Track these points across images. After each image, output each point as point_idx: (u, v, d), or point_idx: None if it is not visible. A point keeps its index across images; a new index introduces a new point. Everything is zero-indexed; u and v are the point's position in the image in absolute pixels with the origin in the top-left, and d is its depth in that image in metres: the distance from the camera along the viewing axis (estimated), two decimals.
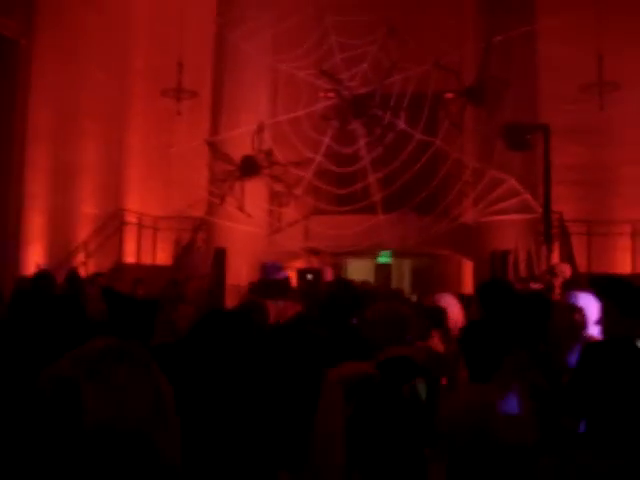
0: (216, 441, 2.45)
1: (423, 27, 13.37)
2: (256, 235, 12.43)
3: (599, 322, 3.46)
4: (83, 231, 13.90)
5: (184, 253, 12.59)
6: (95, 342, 1.43)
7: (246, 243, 12.42)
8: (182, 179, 14.07)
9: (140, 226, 15.18)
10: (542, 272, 9.34)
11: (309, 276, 11.18)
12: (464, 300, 10.62)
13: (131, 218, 15.08)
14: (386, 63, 11.74)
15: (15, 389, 2.83)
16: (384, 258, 15.74)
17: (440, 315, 5.12)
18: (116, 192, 15.23)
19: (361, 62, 11.99)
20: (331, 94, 12.69)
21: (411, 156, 11.68)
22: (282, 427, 2.67)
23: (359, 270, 16.26)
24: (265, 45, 12.71)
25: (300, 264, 13.16)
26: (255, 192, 12.28)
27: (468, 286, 13.65)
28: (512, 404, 2.89)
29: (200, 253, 12.52)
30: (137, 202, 15.61)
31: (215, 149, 12.39)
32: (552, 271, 7.69)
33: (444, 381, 4.39)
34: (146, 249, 15.07)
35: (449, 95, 11.97)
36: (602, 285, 3.43)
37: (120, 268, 13.62)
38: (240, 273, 12.03)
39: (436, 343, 4.94)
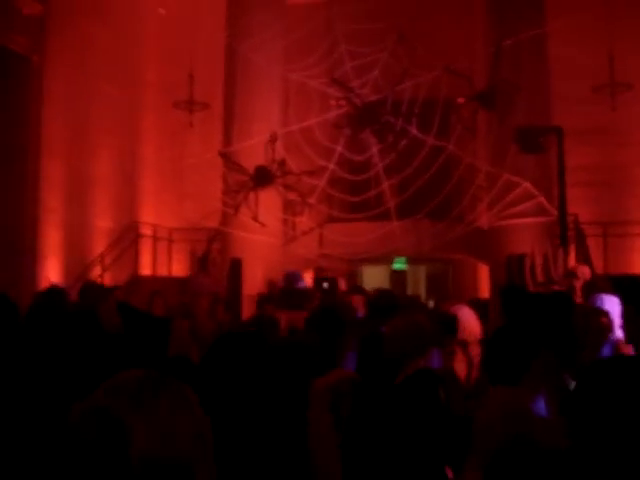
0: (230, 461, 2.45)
1: (433, 33, 13.40)
2: (271, 245, 12.45)
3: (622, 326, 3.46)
4: (99, 244, 13.97)
5: (198, 269, 12.61)
6: (130, 373, 1.37)
7: (261, 253, 12.44)
8: (196, 190, 14.12)
9: (155, 238, 15.24)
10: (562, 274, 9.29)
11: (325, 284, 11.19)
12: (481, 305, 10.61)
13: (146, 230, 15.14)
14: (397, 70, 11.75)
15: (39, 415, 2.84)
16: (399, 264, 15.72)
17: (453, 323, 5.11)
18: (130, 205, 15.30)
19: (372, 69, 12.01)
20: (342, 102, 12.70)
21: (424, 162, 11.68)
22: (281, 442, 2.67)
23: (374, 277, 16.26)
24: (276, 55, 12.76)
25: (314, 273, 13.16)
26: (269, 202, 12.29)
27: (484, 291, 13.62)
28: (541, 407, 2.89)
29: (207, 273, 12.49)
30: (152, 214, 15.68)
31: (228, 160, 12.41)
32: (572, 273, 7.66)
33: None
34: (161, 261, 15.12)
35: (461, 100, 11.94)
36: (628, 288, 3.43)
37: (136, 281, 13.66)
38: (255, 283, 12.06)
39: (458, 356, 4.93)
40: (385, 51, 11.87)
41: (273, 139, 11.92)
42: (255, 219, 11.77)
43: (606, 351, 3.28)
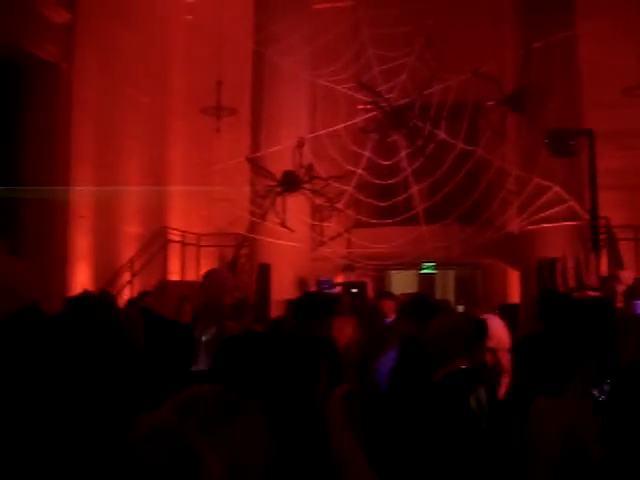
0: None
1: (461, 36, 13.30)
2: (299, 250, 12.42)
3: None
4: (128, 250, 14.03)
5: (229, 269, 12.62)
6: (206, 389, 1.28)
7: (289, 258, 12.42)
8: (224, 196, 14.14)
9: (183, 244, 15.29)
10: (595, 279, 9.18)
11: (354, 290, 11.15)
12: (511, 310, 10.50)
13: (174, 236, 15.20)
14: (425, 73, 11.70)
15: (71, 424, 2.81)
16: (427, 269, 15.62)
17: (483, 329, 5.08)
18: (159, 210, 15.37)
19: (399, 73, 11.97)
20: (370, 106, 12.67)
21: (453, 166, 11.61)
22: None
23: (402, 282, 16.19)
24: (303, 60, 12.75)
25: (342, 278, 13.13)
26: (297, 207, 12.28)
27: (514, 296, 13.49)
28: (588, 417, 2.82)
29: (221, 271, 12.50)
30: (180, 220, 15.73)
31: (256, 165, 12.42)
32: (615, 277, 7.55)
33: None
34: (190, 267, 15.16)
35: (490, 103, 11.86)
36: None
37: (165, 286, 13.71)
38: (284, 288, 12.04)
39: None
40: (413, 55, 11.83)
41: (300, 144, 11.91)
42: (283, 224, 11.76)
43: None
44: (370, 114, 12.73)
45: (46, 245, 12.49)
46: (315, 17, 13.67)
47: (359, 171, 12.57)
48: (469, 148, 11.74)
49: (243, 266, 12.91)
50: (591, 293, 7.84)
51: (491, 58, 11.96)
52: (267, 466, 1.25)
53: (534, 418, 2.85)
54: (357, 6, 13.85)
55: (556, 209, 11.57)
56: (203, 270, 15.10)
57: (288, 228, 11.77)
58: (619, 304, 6.30)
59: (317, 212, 13.25)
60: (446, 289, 16.90)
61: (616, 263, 11.59)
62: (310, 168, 12.15)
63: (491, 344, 6.71)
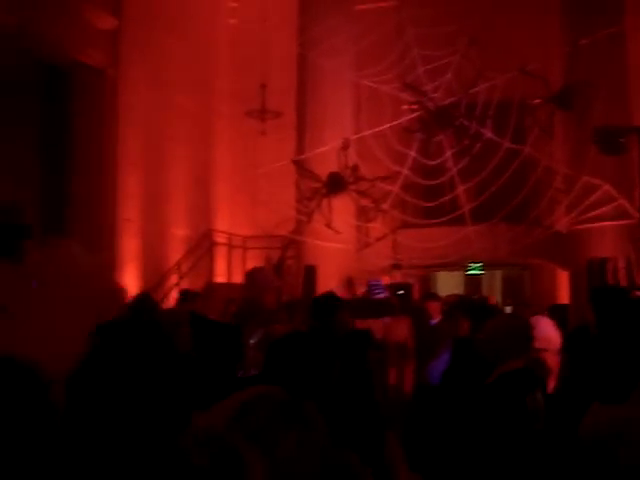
0: None
1: (506, 33, 13.15)
2: (344, 251, 12.41)
3: None
4: (175, 252, 14.16)
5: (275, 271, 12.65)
6: (260, 393, 1.23)
7: (335, 260, 12.41)
8: (269, 198, 14.18)
9: (230, 246, 15.38)
10: None
11: (400, 291, 11.09)
12: (561, 311, 10.35)
13: (221, 238, 15.29)
14: (470, 72, 11.60)
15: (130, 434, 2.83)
16: (474, 270, 15.49)
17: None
18: (205, 213, 15.48)
19: (445, 73, 11.90)
20: (415, 106, 12.61)
21: (499, 165, 11.49)
22: None
23: (449, 282, 16.08)
24: (347, 61, 12.74)
25: (389, 279, 13.08)
26: (342, 208, 12.27)
27: (564, 297, 13.29)
28: None
29: (264, 270, 12.53)
30: (226, 222, 15.83)
31: (301, 167, 12.45)
32: None
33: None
34: (236, 269, 15.24)
35: (537, 101, 11.72)
36: None
37: (211, 288, 13.80)
38: (330, 290, 12.02)
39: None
40: (458, 54, 11.75)
41: (345, 145, 11.91)
42: (329, 226, 11.77)
43: None
44: (415, 114, 12.66)
45: (95, 248, 12.66)
46: (358, 18, 13.65)
47: (405, 171, 12.52)
48: (516, 147, 11.61)
49: (289, 268, 12.94)
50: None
51: (537, 55, 11.83)
52: (323, 473, 1.21)
53: (593, 425, 2.77)
54: (400, 6, 13.80)
55: (606, 208, 11.38)
56: None
57: (334, 229, 11.77)
58: None
59: (362, 213, 13.22)
60: (493, 290, 16.74)
61: None
62: (355, 169, 12.15)
63: (540, 345, 6.62)
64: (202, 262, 14.52)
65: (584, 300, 10.94)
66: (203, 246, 14.74)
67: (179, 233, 14.48)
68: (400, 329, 7.49)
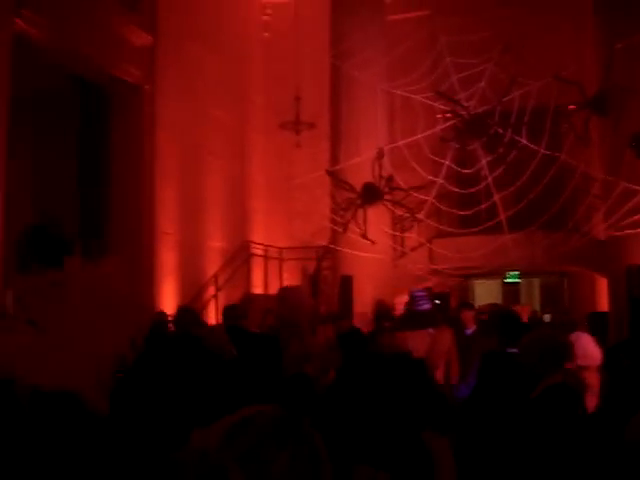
0: None
1: (540, 40, 13.09)
2: (380, 261, 12.40)
3: None
4: (212, 265, 14.28)
5: (307, 286, 12.70)
6: (255, 412, 1.21)
7: (371, 270, 12.42)
8: (305, 209, 14.25)
9: (266, 258, 15.47)
10: None
11: (437, 301, 11.05)
12: (600, 319, 10.23)
13: (257, 250, 15.39)
14: (504, 80, 11.55)
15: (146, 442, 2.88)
16: (512, 278, 15.38)
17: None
18: (242, 225, 15.60)
19: (478, 81, 11.85)
20: (449, 115, 12.58)
21: (536, 172, 11.40)
22: None
23: (486, 291, 15.97)
24: (380, 72, 12.76)
25: (430, 283, 13.02)
26: (377, 218, 12.28)
27: (603, 304, 13.14)
28: None
29: (300, 290, 12.56)
30: (262, 234, 15.93)
31: (336, 178, 12.49)
32: None
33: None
34: (273, 280, 15.31)
35: (572, 107, 11.63)
36: None
37: (249, 299, 13.88)
38: (366, 300, 12.04)
39: None
40: (491, 61, 11.70)
41: (380, 155, 11.92)
42: (364, 236, 11.77)
43: None
44: (449, 123, 12.64)
45: (134, 262, 12.81)
46: (391, 28, 13.69)
47: (439, 180, 12.48)
48: (552, 154, 11.52)
49: (325, 278, 12.97)
50: None
51: (571, 61, 11.74)
52: None
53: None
54: (433, 15, 13.82)
55: None
56: (286, 283, 15.29)
57: (369, 240, 11.77)
58: None
59: (398, 223, 13.20)
60: (532, 298, 16.59)
61: None
62: (390, 179, 12.14)
63: (581, 362, 6.60)
64: (239, 274, 14.61)
65: (623, 307, 10.82)
66: (240, 258, 14.84)
67: (216, 245, 14.60)
68: (444, 340, 7.49)
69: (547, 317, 12.96)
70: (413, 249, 13.37)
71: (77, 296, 3.41)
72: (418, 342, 6.47)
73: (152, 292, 12.81)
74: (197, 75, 14.28)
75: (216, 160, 14.87)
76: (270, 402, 1.27)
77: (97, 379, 3.33)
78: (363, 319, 10.75)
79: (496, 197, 11.87)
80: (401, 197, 12.21)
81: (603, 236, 12.01)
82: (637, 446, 2.69)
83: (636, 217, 11.16)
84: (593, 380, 5.00)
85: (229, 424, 1.19)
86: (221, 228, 14.82)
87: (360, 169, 12.17)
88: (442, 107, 12.59)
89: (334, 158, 13.21)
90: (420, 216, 12.51)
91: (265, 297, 14.20)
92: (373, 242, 11.80)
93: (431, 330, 7.55)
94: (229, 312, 7.23)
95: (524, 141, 11.58)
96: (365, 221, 11.92)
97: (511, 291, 16.12)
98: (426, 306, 8.31)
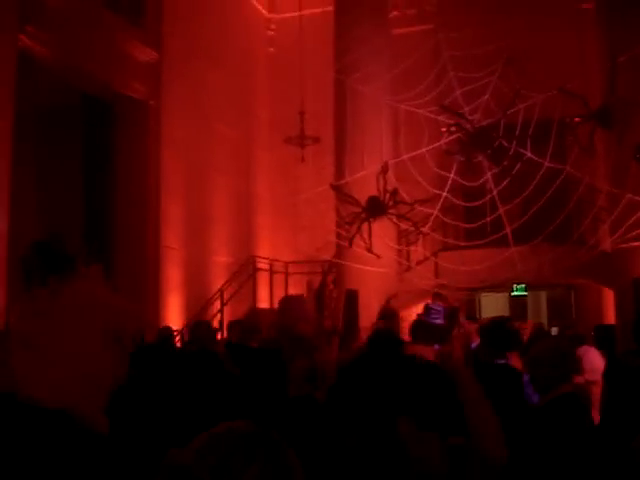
0: None
1: (543, 52, 13.11)
2: (386, 275, 12.38)
3: None
4: (218, 280, 14.27)
5: (312, 300, 12.66)
6: (225, 429, 1.25)
7: (376, 284, 12.39)
8: (310, 224, 14.25)
9: (272, 272, 15.45)
10: None
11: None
12: (607, 331, 10.17)
13: (263, 265, 15.38)
14: (508, 93, 11.54)
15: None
16: (519, 291, 15.31)
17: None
18: (247, 240, 15.61)
19: (482, 94, 11.84)
20: (454, 128, 12.58)
21: (541, 185, 11.38)
22: None
23: (493, 304, 15.90)
24: (384, 86, 12.78)
25: (442, 304, 12.97)
26: (382, 232, 12.25)
27: (610, 316, 13.08)
28: None
29: (302, 300, 12.53)
30: (267, 248, 15.94)
31: (340, 192, 12.47)
32: None
33: None
34: (278, 294, 15.28)
35: (576, 120, 11.61)
36: None
37: (255, 314, 13.85)
38: (371, 314, 11.99)
39: None
40: (495, 74, 11.69)
41: (384, 169, 11.89)
42: (369, 250, 11.74)
43: None
44: (454, 136, 12.63)
45: (139, 277, 12.82)
46: (394, 42, 13.73)
47: (444, 194, 12.47)
48: (557, 166, 11.49)
49: (330, 292, 12.93)
50: None
51: (575, 73, 11.73)
52: None
53: None
54: (436, 29, 13.84)
55: None
56: None
57: (374, 254, 11.74)
58: None
59: (403, 236, 13.18)
60: (539, 311, 16.50)
61: None
62: (395, 193, 12.12)
63: (588, 377, 6.55)
64: (244, 289, 14.60)
65: (630, 320, 10.74)
66: (245, 272, 14.83)
67: (221, 260, 14.60)
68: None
69: (554, 330, 12.90)
70: (418, 263, 13.34)
71: (64, 312, 3.42)
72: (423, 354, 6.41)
73: (157, 307, 12.81)
74: (202, 90, 14.34)
75: (221, 175, 14.91)
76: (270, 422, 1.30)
77: (93, 397, 3.33)
78: (369, 334, 10.68)
79: (501, 210, 11.84)
80: (406, 211, 12.19)
81: (609, 248, 11.96)
82: None
83: None
84: (596, 394, 4.96)
85: (201, 441, 1.22)
86: (226, 243, 14.83)
87: (365, 183, 12.16)
88: (446, 120, 12.59)
89: (339, 172, 13.21)
90: (425, 230, 12.49)
91: (271, 311, 14.18)
92: (378, 256, 11.77)
93: (437, 347, 7.49)
94: (238, 327, 7.19)
95: (529, 154, 11.56)
96: (370, 235, 11.88)
97: (518, 304, 16.04)
98: (438, 321, 8.26)
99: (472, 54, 11.36)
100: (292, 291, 15.24)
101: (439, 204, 12.52)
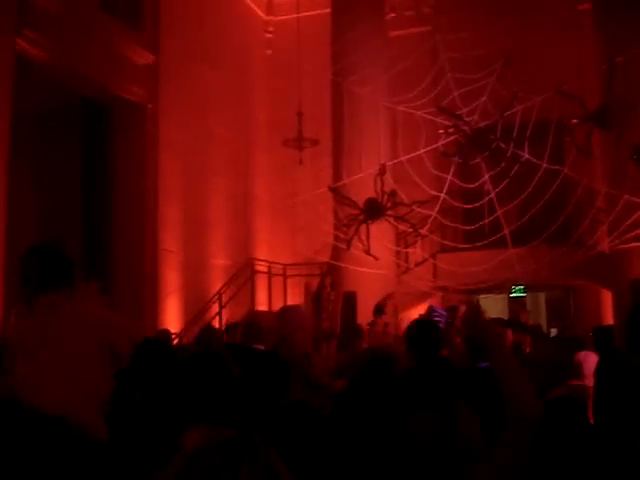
0: None
1: (541, 54, 13.13)
2: (384, 277, 12.37)
3: None
4: (216, 282, 14.26)
5: (308, 302, 12.66)
6: (211, 438, 1.26)
7: (374, 286, 12.38)
8: (308, 226, 14.24)
9: (270, 275, 15.44)
10: None
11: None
12: (606, 332, 10.15)
13: (261, 267, 15.37)
14: (506, 94, 11.54)
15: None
16: (517, 292, 15.32)
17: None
18: (245, 242, 15.60)
19: (480, 95, 11.83)
20: (451, 130, 12.57)
21: (539, 186, 11.37)
22: None
23: (492, 306, 15.90)
24: (382, 88, 12.78)
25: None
26: (380, 234, 12.24)
27: (608, 317, 13.08)
28: None
29: (299, 309, 12.52)
30: (266, 251, 15.93)
31: (338, 194, 12.47)
32: None
33: None
34: (277, 296, 15.29)
35: (574, 121, 11.61)
36: None
37: (253, 317, 13.83)
38: (369, 316, 11.98)
39: None
40: (492, 76, 11.69)
41: (382, 171, 11.88)
42: (367, 252, 11.73)
43: None
44: (451, 138, 12.63)
45: (137, 280, 12.81)
46: (392, 44, 13.74)
47: (442, 195, 12.47)
48: (555, 167, 11.49)
49: (328, 295, 12.92)
50: None
51: (573, 75, 11.73)
52: None
53: None
54: (434, 31, 13.84)
55: None
56: (290, 299, 15.27)
57: (373, 256, 11.73)
58: None
59: (401, 238, 13.18)
60: (537, 312, 16.51)
61: None
62: (393, 194, 12.10)
63: (588, 382, 6.53)
64: (243, 291, 14.59)
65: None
66: (243, 275, 14.82)
67: (219, 263, 14.59)
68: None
69: (553, 331, 12.92)
70: (417, 264, 13.34)
71: (63, 327, 3.43)
72: None
73: (156, 310, 12.80)
74: (199, 93, 14.34)
75: (219, 178, 14.90)
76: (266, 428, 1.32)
77: (92, 405, 3.34)
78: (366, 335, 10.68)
79: (499, 211, 11.84)
80: (404, 212, 12.19)
81: (607, 249, 11.96)
82: None
83: (639, 230, 11.13)
84: None
85: (183, 459, 1.23)
86: (224, 246, 14.82)
87: (363, 185, 12.15)
88: (444, 122, 12.58)
89: (337, 174, 13.22)
90: (423, 231, 12.48)
91: (269, 314, 14.16)
92: (376, 258, 11.75)
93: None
94: (238, 330, 7.17)
95: (526, 155, 11.56)
96: (368, 237, 11.88)
97: (517, 305, 16.03)
98: (440, 324, 8.24)
99: (469, 56, 11.35)
100: (290, 293, 15.25)
101: (437, 206, 12.52)
